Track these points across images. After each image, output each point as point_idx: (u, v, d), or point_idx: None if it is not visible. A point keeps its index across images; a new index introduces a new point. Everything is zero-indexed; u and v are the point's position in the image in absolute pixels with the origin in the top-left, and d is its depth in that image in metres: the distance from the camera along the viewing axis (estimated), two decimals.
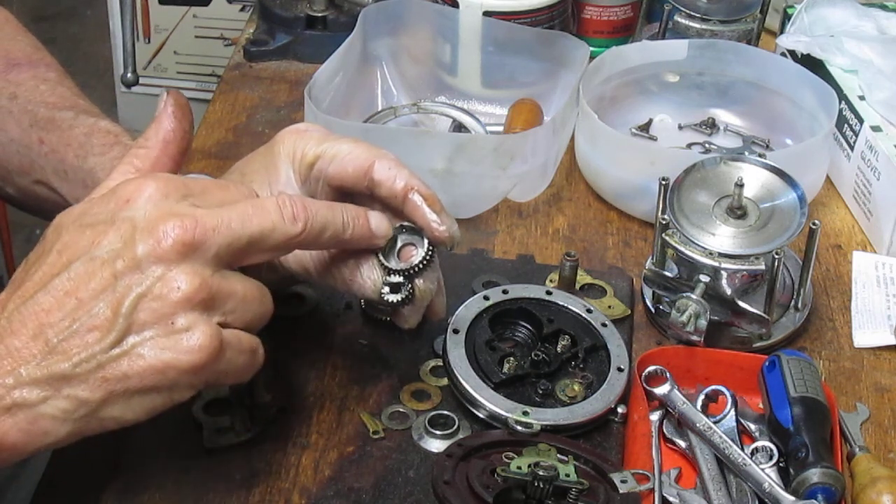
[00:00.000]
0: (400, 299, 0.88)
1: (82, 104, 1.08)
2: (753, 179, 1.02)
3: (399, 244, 0.90)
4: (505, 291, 1.01)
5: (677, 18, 1.33)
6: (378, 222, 0.87)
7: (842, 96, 1.20)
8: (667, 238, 1.00)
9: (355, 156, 0.90)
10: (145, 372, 0.75)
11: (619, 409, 0.93)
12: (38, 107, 1.05)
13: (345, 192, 0.92)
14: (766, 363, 0.95)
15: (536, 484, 0.82)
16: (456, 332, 0.96)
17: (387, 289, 0.88)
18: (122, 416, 0.76)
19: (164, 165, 0.84)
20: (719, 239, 0.99)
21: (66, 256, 0.77)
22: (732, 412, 0.94)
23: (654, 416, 0.95)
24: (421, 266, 0.88)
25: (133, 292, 0.75)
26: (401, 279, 0.88)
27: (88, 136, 1.03)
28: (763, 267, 0.98)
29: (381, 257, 0.88)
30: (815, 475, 0.86)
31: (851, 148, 1.19)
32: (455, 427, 0.92)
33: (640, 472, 0.87)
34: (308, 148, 0.91)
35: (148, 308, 0.75)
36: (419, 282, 0.89)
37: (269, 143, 0.94)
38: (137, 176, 0.81)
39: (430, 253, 0.88)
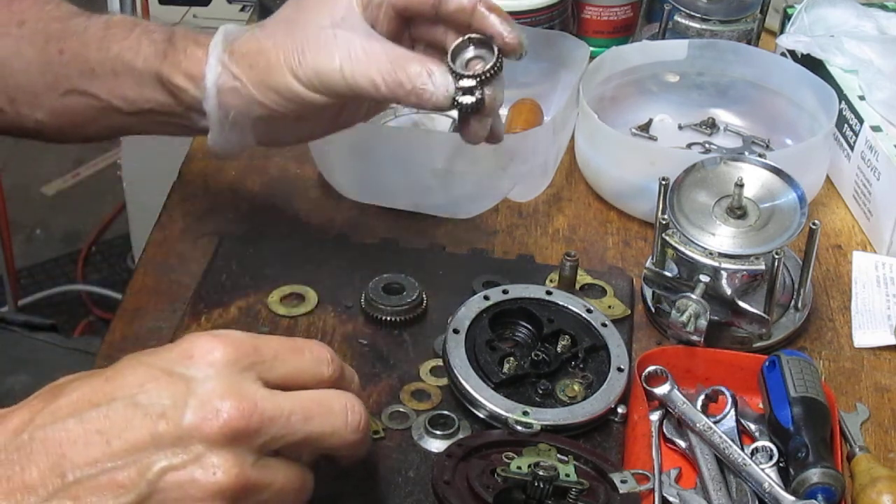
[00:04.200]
0: (473, 102, 0.89)
1: (89, 12, 1.06)
2: (753, 179, 1.02)
3: (467, 56, 0.91)
4: (505, 291, 1.01)
5: (677, 18, 1.33)
6: None
7: (842, 96, 1.20)
8: (667, 238, 1.00)
9: None
10: None
11: (619, 409, 0.93)
12: (49, 23, 1.03)
13: (407, 17, 0.93)
14: (766, 363, 0.95)
15: (536, 484, 0.82)
16: (456, 332, 0.96)
17: (460, 93, 0.89)
18: None
19: None
20: (719, 239, 0.99)
21: (110, 387, 0.71)
22: (732, 412, 0.94)
23: (654, 416, 0.95)
24: (492, 73, 0.90)
25: (166, 461, 0.69)
26: (473, 82, 0.89)
27: (106, 28, 1.01)
28: (763, 267, 0.98)
29: (452, 65, 0.90)
30: (815, 475, 0.86)
31: (851, 148, 1.19)
32: (455, 427, 0.92)
33: (640, 472, 0.87)
34: None
35: (175, 483, 0.69)
36: (488, 91, 0.90)
37: None
38: (207, 332, 0.75)
39: (499, 61, 0.90)
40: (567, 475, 0.83)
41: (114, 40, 1.00)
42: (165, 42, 0.98)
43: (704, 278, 0.98)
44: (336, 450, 0.76)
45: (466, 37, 0.91)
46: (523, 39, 0.91)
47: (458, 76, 0.89)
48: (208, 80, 0.95)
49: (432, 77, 0.88)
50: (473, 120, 0.91)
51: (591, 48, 1.28)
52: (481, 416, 0.92)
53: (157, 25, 1.01)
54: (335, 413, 0.74)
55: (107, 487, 0.68)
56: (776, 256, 0.98)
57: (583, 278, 1.06)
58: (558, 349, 0.97)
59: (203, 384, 0.70)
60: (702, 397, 0.95)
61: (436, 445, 0.91)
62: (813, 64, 1.25)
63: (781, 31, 1.35)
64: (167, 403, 0.70)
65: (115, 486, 0.68)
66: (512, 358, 0.95)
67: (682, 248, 1.00)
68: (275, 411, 0.71)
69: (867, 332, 1.06)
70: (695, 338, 0.98)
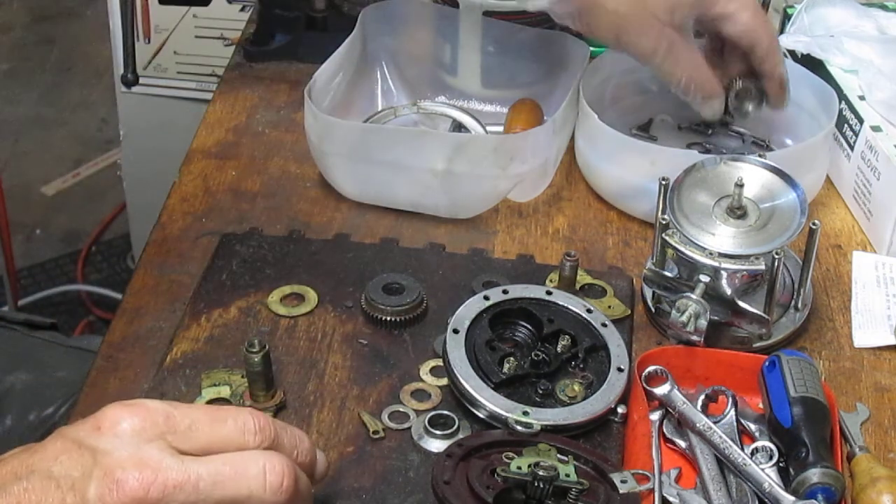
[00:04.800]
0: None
1: None
2: (753, 179, 1.02)
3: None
4: (505, 291, 1.01)
5: None
6: None
7: (842, 96, 1.20)
8: (667, 238, 1.00)
9: (747, 27, 1.12)
10: None
11: (619, 409, 0.93)
12: None
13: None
14: (766, 363, 0.95)
15: (536, 484, 0.82)
16: (456, 332, 0.96)
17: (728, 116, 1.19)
18: None
19: None
20: (719, 239, 0.99)
21: (32, 460, 0.72)
22: (732, 412, 0.94)
23: (654, 416, 0.95)
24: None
25: None
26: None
27: None
28: (763, 267, 0.98)
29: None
30: (815, 475, 0.86)
31: (851, 148, 1.19)
32: (455, 427, 0.92)
33: (640, 472, 0.87)
34: None
35: None
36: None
37: None
38: (121, 402, 0.75)
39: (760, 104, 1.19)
40: (567, 475, 0.83)
41: None
42: None
43: (704, 278, 0.98)
44: None
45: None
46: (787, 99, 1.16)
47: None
48: None
49: (711, 102, 1.15)
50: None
51: (591, 48, 1.28)
52: (481, 416, 0.92)
53: None
54: (250, 476, 0.73)
55: None
56: (776, 256, 0.98)
57: (583, 278, 1.06)
58: (558, 349, 0.97)
59: (108, 455, 0.71)
60: (702, 397, 0.95)
61: (436, 445, 0.91)
62: (813, 64, 1.25)
63: (781, 31, 1.34)
64: (76, 475, 0.71)
65: None
66: (512, 358, 0.95)
67: (682, 248, 1.00)
68: (179, 478, 0.71)
69: (867, 332, 1.06)
70: (695, 338, 0.98)
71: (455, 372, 0.94)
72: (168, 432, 0.73)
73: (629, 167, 1.16)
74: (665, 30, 1.11)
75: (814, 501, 0.86)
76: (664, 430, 0.94)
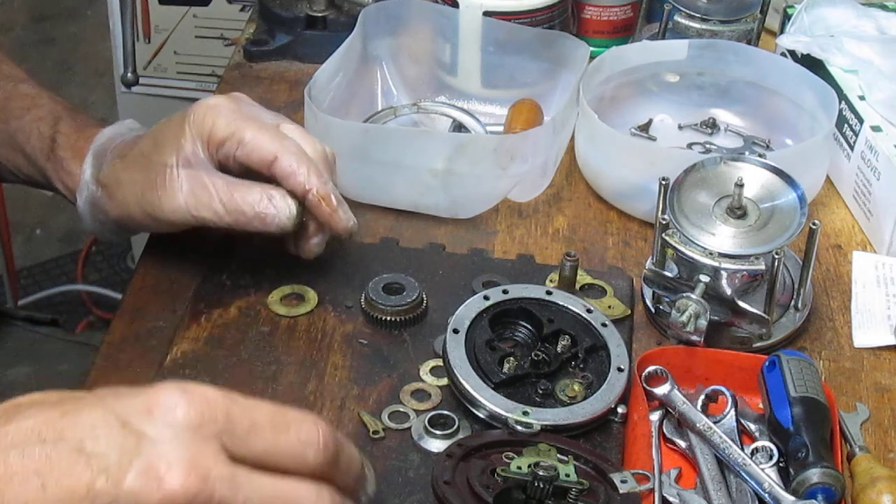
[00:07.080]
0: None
1: (4, 69, 1.14)
2: (753, 179, 1.02)
3: None
4: (505, 291, 1.01)
5: (677, 18, 1.33)
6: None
7: (842, 96, 1.20)
8: (667, 238, 1.00)
9: (258, 146, 0.96)
10: None
11: (619, 409, 0.93)
12: None
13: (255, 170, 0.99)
14: (766, 363, 0.95)
15: (536, 484, 0.82)
16: (456, 332, 0.96)
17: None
18: None
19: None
20: (719, 239, 0.99)
21: (62, 424, 0.65)
22: (732, 412, 0.94)
23: (654, 416, 0.95)
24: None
25: None
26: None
27: (7, 100, 1.09)
28: (763, 267, 0.98)
29: None
30: (815, 475, 0.86)
31: (851, 148, 1.19)
32: (455, 427, 0.92)
33: (640, 472, 0.87)
34: (217, 128, 0.96)
35: None
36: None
37: (181, 113, 0.99)
38: (178, 385, 0.67)
39: None
40: (567, 475, 0.83)
41: (12, 115, 1.09)
42: (50, 142, 1.07)
43: (704, 278, 0.98)
44: None
45: None
46: (351, 226, 1.00)
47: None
48: (79, 200, 1.07)
49: (273, 200, 0.96)
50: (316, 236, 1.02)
51: (591, 48, 1.28)
52: (481, 416, 0.92)
53: (48, 108, 1.10)
54: (309, 499, 0.66)
55: None
56: (776, 256, 0.98)
57: (583, 278, 1.06)
58: (558, 349, 0.97)
59: (154, 445, 0.64)
60: (702, 397, 0.95)
61: (436, 445, 0.91)
62: (813, 64, 1.25)
63: (781, 31, 1.35)
64: (112, 458, 0.63)
65: None
66: (512, 358, 0.95)
67: (682, 248, 1.00)
68: (225, 493, 0.63)
69: (867, 332, 1.06)
70: (695, 338, 0.98)
71: (455, 372, 0.94)
72: (225, 432, 0.65)
73: (629, 167, 1.16)
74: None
75: (814, 501, 0.86)
76: (664, 430, 0.94)
